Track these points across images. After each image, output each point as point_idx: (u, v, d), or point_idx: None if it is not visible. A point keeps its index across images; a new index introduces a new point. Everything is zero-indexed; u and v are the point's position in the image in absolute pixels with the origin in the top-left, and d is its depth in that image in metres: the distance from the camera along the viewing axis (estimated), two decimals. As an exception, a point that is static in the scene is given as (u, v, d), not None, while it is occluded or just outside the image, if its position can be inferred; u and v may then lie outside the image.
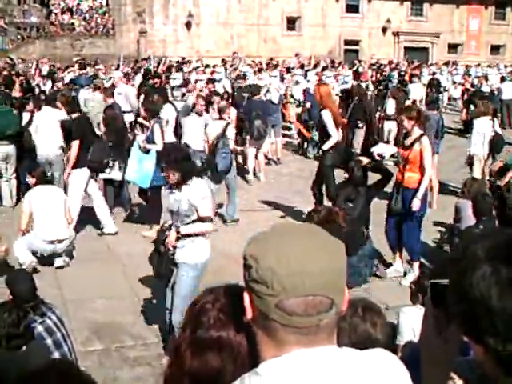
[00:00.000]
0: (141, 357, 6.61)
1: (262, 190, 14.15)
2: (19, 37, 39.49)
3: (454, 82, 29.74)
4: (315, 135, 15.09)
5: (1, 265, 8.82)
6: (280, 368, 1.57)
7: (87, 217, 11.47)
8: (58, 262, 9.34)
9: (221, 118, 11.80)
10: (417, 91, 22.96)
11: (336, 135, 10.60)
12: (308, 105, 17.93)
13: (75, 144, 10.65)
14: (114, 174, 11.61)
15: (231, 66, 27.58)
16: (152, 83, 18.20)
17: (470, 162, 12.67)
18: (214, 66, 26.08)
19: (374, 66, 31.09)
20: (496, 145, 12.40)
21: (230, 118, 12.47)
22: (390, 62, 33.45)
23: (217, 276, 6.61)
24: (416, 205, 8.45)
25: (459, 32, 45.29)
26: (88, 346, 6.84)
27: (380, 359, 1.70)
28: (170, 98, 15.16)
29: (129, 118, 15.45)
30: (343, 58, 38.43)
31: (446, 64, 33.82)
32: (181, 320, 2.38)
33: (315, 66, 28.86)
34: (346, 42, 42.81)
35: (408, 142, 8.68)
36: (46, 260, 9.28)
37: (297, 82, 20.83)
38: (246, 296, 1.64)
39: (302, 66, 28.08)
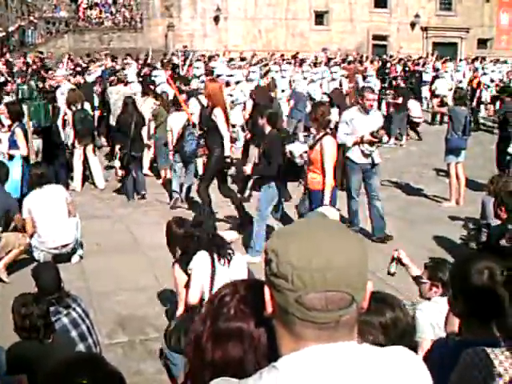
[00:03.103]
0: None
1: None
2: (48, 31, 39.85)
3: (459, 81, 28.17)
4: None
5: (26, 258, 8.93)
6: (298, 363, 1.57)
7: (113, 211, 11.60)
8: (75, 259, 9.33)
9: (179, 110, 12.42)
10: (443, 87, 22.74)
11: (228, 136, 10.48)
12: (291, 102, 18.23)
13: None
14: (116, 163, 12.39)
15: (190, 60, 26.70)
16: (111, 81, 17.66)
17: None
18: (231, 60, 25.76)
19: (402, 61, 30.88)
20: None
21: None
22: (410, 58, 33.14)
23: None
24: None
25: (489, 27, 44.78)
26: (113, 339, 6.87)
27: (400, 357, 1.69)
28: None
29: None
30: (371, 53, 38.23)
31: (475, 60, 33.43)
32: None
33: (343, 61, 28.78)
34: (375, 37, 42.59)
35: (312, 142, 8.68)
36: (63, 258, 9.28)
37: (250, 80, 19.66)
38: (267, 290, 1.64)
39: (328, 61, 28.01)
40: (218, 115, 10.25)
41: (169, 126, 13.03)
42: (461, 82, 26.55)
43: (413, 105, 20.62)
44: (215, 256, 5.78)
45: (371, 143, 9.93)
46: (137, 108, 13.43)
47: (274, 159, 9.02)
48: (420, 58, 34.11)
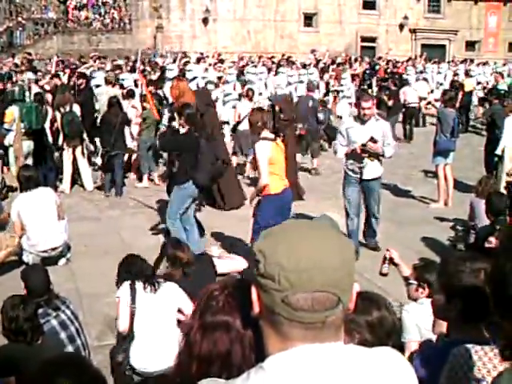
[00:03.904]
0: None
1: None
2: (37, 32, 39.66)
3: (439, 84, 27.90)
4: None
5: (15, 261, 8.90)
6: (285, 363, 1.58)
7: (102, 212, 11.58)
8: (62, 261, 9.35)
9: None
10: (422, 89, 22.88)
11: None
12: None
13: None
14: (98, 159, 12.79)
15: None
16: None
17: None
18: (217, 63, 25.76)
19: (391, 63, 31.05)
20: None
21: None
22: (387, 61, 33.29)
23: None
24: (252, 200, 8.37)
25: (477, 29, 44.93)
26: (102, 340, 6.86)
27: (386, 357, 1.71)
28: None
29: None
30: (360, 55, 38.29)
31: (463, 62, 33.59)
32: None
33: (333, 63, 28.85)
34: (363, 39, 42.68)
35: None
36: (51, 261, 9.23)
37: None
38: (254, 290, 1.65)
39: (318, 62, 28.08)
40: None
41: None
42: (442, 84, 26.67)
43: (408, 90, 20.79)
44: (139, 285, 5.79)
45: (358, 157, 9.15)
46: (121, 107, 13.53)
47: (187, 161, 8.95)
48: (409, 59, 34.24)
